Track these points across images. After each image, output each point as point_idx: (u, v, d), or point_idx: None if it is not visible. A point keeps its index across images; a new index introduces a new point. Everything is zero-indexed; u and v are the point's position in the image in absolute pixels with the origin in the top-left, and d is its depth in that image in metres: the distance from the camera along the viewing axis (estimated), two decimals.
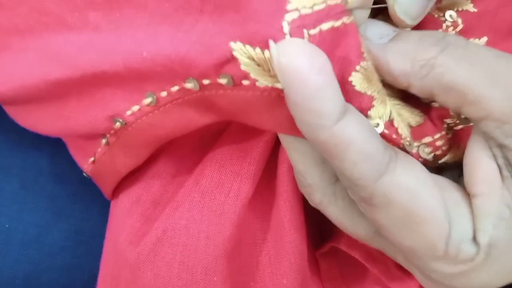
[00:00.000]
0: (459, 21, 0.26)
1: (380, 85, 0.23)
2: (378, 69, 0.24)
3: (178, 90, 0.24)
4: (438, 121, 0.25)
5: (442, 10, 0.26)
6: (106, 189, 0.31)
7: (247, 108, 0.23)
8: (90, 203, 0.36)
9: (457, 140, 0.26)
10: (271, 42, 0.21)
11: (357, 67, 0.22)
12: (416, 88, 0.23)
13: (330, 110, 0.20)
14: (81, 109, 0.27)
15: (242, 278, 0.28)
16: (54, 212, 0.35)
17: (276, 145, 0.28)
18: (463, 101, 0.22)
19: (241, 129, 0.28)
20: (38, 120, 0.29)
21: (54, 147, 0.35)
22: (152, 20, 0.24)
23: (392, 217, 0.22)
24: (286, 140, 0.25)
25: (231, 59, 0.22)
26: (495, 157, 0.23)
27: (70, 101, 0.27)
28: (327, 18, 0.22)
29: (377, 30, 0.24)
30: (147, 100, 0.25)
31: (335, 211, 0.25)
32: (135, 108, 0.25)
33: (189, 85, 0.23)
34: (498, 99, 0.22)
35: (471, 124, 0.24)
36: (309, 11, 0.21)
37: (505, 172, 0.23)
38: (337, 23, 0.22)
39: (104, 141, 0.27)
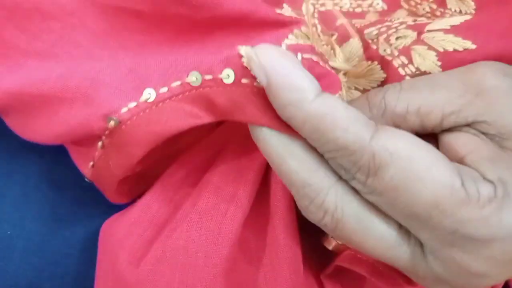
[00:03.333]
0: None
1: None
2: None
3: (180, 85, 0.26)
4: None
5: (412, 62, 0.28)
6: (108, 193, 0.31)
7: (244, 103, 0.25)
8: (93, 210, 0.36)
9: None
10: (247, 48, 0.25)
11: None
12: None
13: (309, 85, 0.24)
14: (75, 111, 0.27)
15: None
16: (57, 220, 0.35)
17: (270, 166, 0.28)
18: (420, 116, 0.25)
19: (235, 153, 0.29)
20: (34, 128, 0.29)
21: (56, 154, 0.35)
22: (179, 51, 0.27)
23: (401, 171, 0.23)
24: (280, 155, 0.25)
25: (237, 56, 0.25)
26: (468, 131, 0.25)
27: (64, 104, 0.27)
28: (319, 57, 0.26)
29: None
30: (145, 96, 0.26)
31: (353, 211, 0.24)
32: (132, 104, 0.26)
33: (191, 78, 0.26)
34: (443, 99, 0.25)
35: None
36: (302, 42, 0.26)
37: (483, 137, 0.25)
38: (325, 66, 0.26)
39: (100, 144, 0.28)
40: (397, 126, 0.26)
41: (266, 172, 0.29)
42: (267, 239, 0.28)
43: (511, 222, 0.23)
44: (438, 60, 0.27)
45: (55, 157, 0.35)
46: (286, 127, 0.24)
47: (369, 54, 0.28)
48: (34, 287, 0.35)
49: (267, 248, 0.28)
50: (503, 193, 0.23)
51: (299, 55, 0.25)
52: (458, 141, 0.25)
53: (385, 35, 0.28)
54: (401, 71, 0.27)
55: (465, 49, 0.26)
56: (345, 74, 0.28)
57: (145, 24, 0.27)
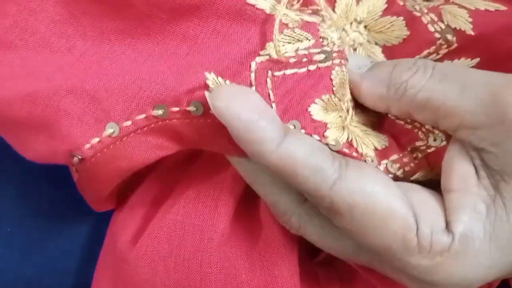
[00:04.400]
0: (454, 40, 0.27)
1: (337, 116, 0.26)
2: (358, 96, 0.26)
3: (144, 118, 0.25)
4: (406, 145, 0.27)
5: (441, 20, 0.27)
6: (92, 205, 0.30)
7: (212, 135, 0.25)
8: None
9: (429, 162, 0.26)
10: (206, 92, 0.23)
11: (316, 100, 0.25)
12: (394, 110, 0.26)
13: (269, 136, 0.23)
14: (42, 140, 0.26)
15: (234, 270, 0.28)
16: (57, 216, 0.35)
17: None
18: (437, 115, 0.24)
19: None
20: (15, 146, 0.29)
21: None
22: (138, 57, 0.25)
23: (357, 220, 0.23)
24: (251, 177, 0.26)
25: (204, 87, 0.24)
26: (472, 159, 0.24)
27: (31, 132, 0.27)
28: (293, 66, 0.25)
29: (356, 61, 0.27)
30: (108, 131, 0.25)
31: (315, 230, 0.26)
32: (95, 140, 0.25)
33: (157, 112, 0.25)
34: (467, 109, 0.23)
35: (442, 144, 0.26)
36: (276, 56, 0.25)
37: (482, 173, 0.24)
38: (301, 70, 0.25)
39: (74, 169, 0.27)
40: (409, 115, 0.25)
41: None
42: (262, 218, 0.29)
43: (455, 276, 0.24)
44: (469, 17, 0.26)
45: None
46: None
47: (395, 9, 0.27)
48: (34, 283, 0.35)
49: (263, 225, 0.29)
50: (459, 248, 0.23)
51: (269, 73, 0.25)
52: (459, 171, 0.24)
53: None
54: (431, 27, 0.26)
55: (496, 10, 0.26)
56: (365, 27, 0.28)
57: (106, 11, 0.26)
